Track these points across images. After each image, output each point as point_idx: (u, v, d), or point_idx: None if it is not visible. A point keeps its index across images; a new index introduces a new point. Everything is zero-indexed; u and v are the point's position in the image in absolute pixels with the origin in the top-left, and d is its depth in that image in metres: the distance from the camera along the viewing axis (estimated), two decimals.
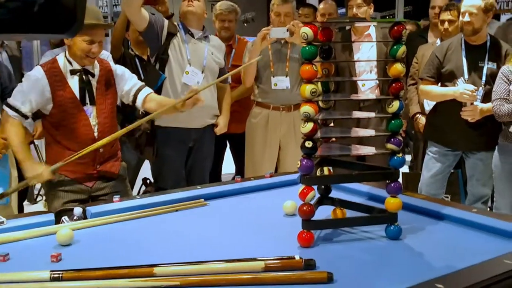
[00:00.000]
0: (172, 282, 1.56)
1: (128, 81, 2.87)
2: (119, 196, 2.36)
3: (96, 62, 2.78)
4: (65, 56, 2.75)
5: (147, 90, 2.88)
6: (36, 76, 2.67)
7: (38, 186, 5.34)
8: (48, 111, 2.70)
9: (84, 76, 2.73)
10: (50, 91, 2.66)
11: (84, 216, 2.16)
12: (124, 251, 1.87)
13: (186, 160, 3.58)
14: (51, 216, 2.12)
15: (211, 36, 3.68)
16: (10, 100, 2.68)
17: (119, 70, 2.88)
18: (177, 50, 3.47)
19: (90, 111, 2.74)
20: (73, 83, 2.72)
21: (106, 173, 2.81)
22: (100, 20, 2.70)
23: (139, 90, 2.86)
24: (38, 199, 5.30)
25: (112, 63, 2.91)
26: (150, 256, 1.77)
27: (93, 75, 2.76)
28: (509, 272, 1.57)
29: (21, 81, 2.71)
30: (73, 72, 2.72)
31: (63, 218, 2.10)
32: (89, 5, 2.63)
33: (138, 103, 2.86)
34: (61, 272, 1.59)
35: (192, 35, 3.53)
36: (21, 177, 3.39)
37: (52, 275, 1.58)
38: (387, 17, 8.69)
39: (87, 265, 1.65)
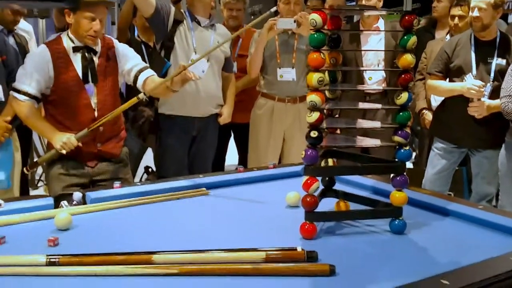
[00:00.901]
0: (171, 270, 1.53)
1: (130, 60, 2.84)
2: (119, 182, 2.33)
3: (98, 40, 2.75)
4: (68, 34, 2.73)
5: (149, 72, 2.84)
6: (40, 53, 2.67)
7: (39, 171, 5.33)
8: (49, 90, 2.68)
9: (87, 54, 2.71)
10: (53, 68, 2.65)
11: (83, 201, 2.14)
12: (123, 237, 1.84)
13: (189, 149, 3.55)
14: (50, 200, 2.10)
15: (218, 25, 3.64)
16: (16, 85, 2.66)
17: (122, 48, 2.86)
18: (183, 38, 3.43)
19: (92, 89, 2.72)
20: (76, 61, 2.70)
21: (107, 154, 2.79)
22: None
23: (140, 71, 2.82)
24: (39, 184, 5.29)
25: (115, 41, 2.88)
26: (149, 243, 1.73)
27: (95, 53, 2.74)
28: None
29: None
30: (75, 49, 2.70)
31: (62, 202, 2.07)
32: None
33: (139, 84, 2.82)
34: (58, 256, 1.56)
35: (198, 23, 3.49)
36: (24, 161, 3.38)
37: (48, 260, 1.55)
38: (395, 14, 8.62)
39: (84, 250, 1.63)
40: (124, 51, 2.85)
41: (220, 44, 3.09)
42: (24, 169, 2.81)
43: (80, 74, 2.69)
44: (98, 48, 2.75)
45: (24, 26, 4.27)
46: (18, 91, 2.65)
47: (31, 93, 2.64)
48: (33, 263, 1.55)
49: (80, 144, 2.64)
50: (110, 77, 2.78)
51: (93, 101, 2.72)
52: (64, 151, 2.61)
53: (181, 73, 2.53)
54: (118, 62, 2.82)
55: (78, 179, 2.72)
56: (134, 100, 2.62)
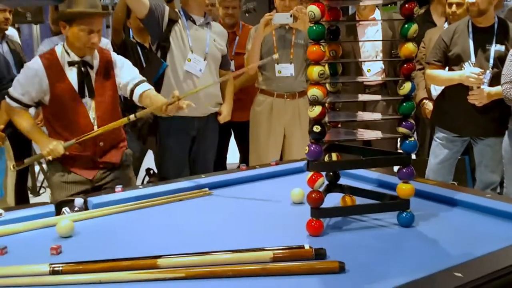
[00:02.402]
0: (177, 273, 1.50)
1: (126, 74, 2.78)
2: (121, 186, 2.30)
3: (96, 52, 2.71)
4: (63, 46, 2.67)
5: (145, 86, 2.77)
6: (34, 68, 2.63)
7: (41, 178, 5.31)
8: (47, 102, 2.65)
9: (82, 68, 2.65)
10: (48, 83, 2.61)
11: (85, 207, 2.10)
12: (127, 242, 1.81)
13: (190, 149, 3.52)
14: (51, 208, 2.06)
15: (213, 23, 3.61)
16: (11, 91, 2.67)
17: (119, 61, 2.80)
18: (179, 37, 3.39)
19: (89, 103, 2.68)
20: (72, 75, 2.65)
21: (107, 164, 2.77)
22: (97, 7, 2.62)
23: (136, 84, 2.76)
24: (41, 192, 5.26)
25: (113, 53, 2.83)
26: (153, 247, 1.70)
27: (91, 67, 2.68)
28: None
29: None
30: (71, 63, 2.65)
31: (63, 209, 2.04)
32: None
33: (135, 98, 2.77)
34: (61, 265, 1.53)
35: (193, 22, 3.46)
36: (19, 170, 3.34)
37: (52, 268, 1.51)
38: (389, 6, 8.61)
39: (88, 257, 1.59)
40: (121, 64, 2.79)
41: (212, 83, 3.07)
42: (11, 166, 2.79)
43: (76, 88, 2.65)
44: (95, 62, 2.70)
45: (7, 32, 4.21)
46: (11, 98, 2.67)
47: (23, 101, 2.67)
48: (36, 272, 1.51)
49: (67, 152, 2.62)
50: (108, 91, 2.74)
51: (92, 115, 2.68)
52: (50, 157, 2.60)
53: (174, 103, 2.47)
54: (116, 77, 2.77)
55: (79, 186, 2.69)
56: (124, 120, 2.59)
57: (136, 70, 2.84)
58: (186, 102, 2.48)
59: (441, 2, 4.26)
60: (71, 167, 2.71)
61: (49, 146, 2.58)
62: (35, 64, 2.64)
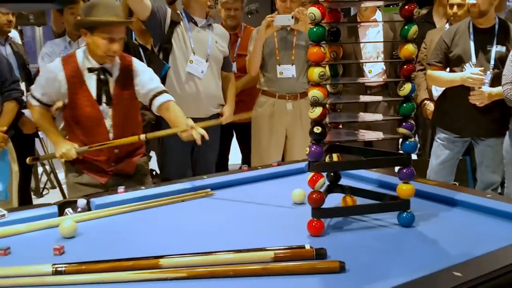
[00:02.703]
0: (179, 273, 1.51)
1: (146, 84, 2.73)
2: (123, 187, 2.31)
3: (117, 58, 2.67)
4: (84, 52, 2.66)
5: (164, 97, 2.72)
6: (54, 71, 2.63)
7: (43, 179, 5.33)
8: (66, 103, 2.68)
9: (102, 76, 2.63)
10: (67, 87, 2.62)
11: (88, 208, 2.12)
12: (129, 243, 1.82)
13: (192, 150, 3.53)
14: (54, 208, 2.07)
15: (215, 25, 3.62)
16: (32, 90, 2.71)
17: (140, 69, 2.75)
18: (181, 39, 3.41)
19: (106, 111, 2.66)
20: (91, 81, 2.64)
21: (121, 171, 2.76)
22: (119, 16, 2.59)
23: (155, 95, 2.72)
24: (44, 193, 5.28)
25: (135, 61, 2.77)
26: (155, 247, 1.71)
27: (111, 74, 2.66)
28: None
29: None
30: (90, 70, 2.63)
31: (66, 210, 2.05)
32: (108, 0, 2.57)
33: (154, 108, 2.74)
34: (64, 265, 1.54)
35: (195, 23, 3.47)
36: (22, 171, 3.36)
37: (54, 269, 1.53)
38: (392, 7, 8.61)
39: (91, 258, 1.60)
40: (141, 73, 2.74)
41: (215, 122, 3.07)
42: (27, 160, 2.84)
43: (94, 95, 2.64)
44: (115, 70, 2.67)
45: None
46: (33, 96, 2.70)
47: (43, 101, 2.70)
48: (39, 273, 1.52)
49: (80, 156, 2.66)
50: (126, 99, 2.71)
51: (108, 123, 2.67)
52: (62, 160, 2.64)
53: (187, 131, 2.48)
54: (135, 85, 2.72)
55: (92, 189, 2.70)
56: (134, 138, 2.59)
57: (157, 79, 2.79)
58: (202, 132, 2.46)
59: (442, 3, 4.27)
60: (85, 170, 2.72)
61: (62, 149, 2.63)
62: (55, 68, 2.63)
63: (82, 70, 2.63)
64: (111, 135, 2.68)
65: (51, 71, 2.65)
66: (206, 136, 2.47)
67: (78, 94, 2.62)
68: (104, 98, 2.65)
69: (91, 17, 2.52)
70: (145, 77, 2.74)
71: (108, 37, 2.53)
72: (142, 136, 2.57)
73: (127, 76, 2.70)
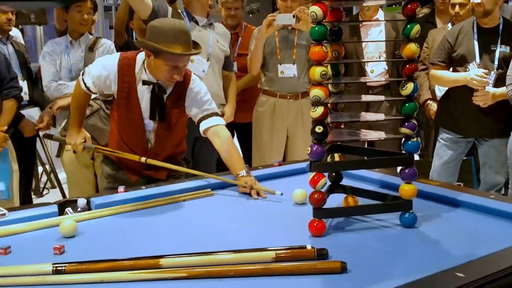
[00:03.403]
0: (179, 273, 1.50)
1: (197, 106, 2.57)
2: (124, 186, 2.30)
3: None
4: (144, 62, 2.49)
5: (211, 121, 2.58)
6: (109, 69, 2.50)
7: (43, 179, 5.32)
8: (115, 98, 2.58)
9: (155, 91, 2.48)
10: (117, 89, 2.51)
11: (88, 207, 2.11)
12: (129, 242, 1.81)
13: (193, 150, 3.52)
14: (54, 208, 2.07)
15: (216, 24, 3.61)
16: (86, 73, 2.58)
17: (195, 90, 2.57)
18: None
19: (151, 125, 2.56)
20: (142, 91, 2.50)
21: (151, 176, 2.65)
22: (189, 44, 2.38)
23: (202, 118, 2.58)
24: (44, 192, 5.27)
25: (193, 79, 2.58)
26: (156, 247, 1.70)
27: (165, 92, 2.51)
28: None
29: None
30: (145, 83, 2.48)
31: (66, 209, 2.05)
32: (180, 24, 2.41)
33: (200, 130, 2.61)
34: (64, 264, 1.53)
35: (196, 23, 3.46)
36: (22, 170, 3.36)
37: (55, 268, 1.52)
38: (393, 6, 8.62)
39: (91, 257, 1.59)
40: (194, 94, 2.56)
41: None
42: (42, 135, 2.83)
43: (141, 106, 2.51)
44: (169, 87, 2.52)
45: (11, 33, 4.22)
46: (83, 81, 2.58)
47: (91, 89, 2.59)
48: (39, 272, 1.52)
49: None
50: (174, 118, 2.57)
51: (149, 136, 2.57)
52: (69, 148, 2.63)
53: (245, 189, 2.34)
54: (186, 107, 2.58)
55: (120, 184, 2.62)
56: (135, 157, 2.52)
57: (208, 101, 2.61)
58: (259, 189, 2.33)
59: (444, 3, 4.24)
60: (121, 164, 2.67)
61: (73, 140, 2.67)
62: (111, 66, 2.50)
63: (137, 79, 2.49)
64: (149, 147, 2.59)
65: (106, 67, 2.51)
66: (263, 195, 2.31)
67: (126, 100, 2.51)
68: (149, 113, 2.51)
69: (158, 43, 2.30)
70: (198, 98, 2.57)
71: (173, 65, 2.36)
72: (143, 159, 2.50)
73: (180, 95, 2.55)
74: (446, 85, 3.58)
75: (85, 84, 2.58)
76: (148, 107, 2.52)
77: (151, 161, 2.52)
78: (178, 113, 2.59)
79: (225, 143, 2.57)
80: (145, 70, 2.49)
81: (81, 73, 2.63)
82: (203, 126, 2.59)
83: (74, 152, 2.79)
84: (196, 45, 2.47)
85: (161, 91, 2.49)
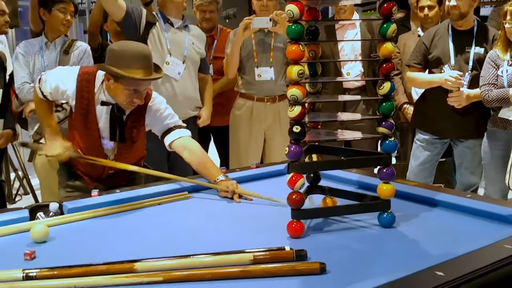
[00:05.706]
0: (155, 277, 1.46)
1: (158, 122, 2.54)
2: (97, 190, 2.25)
3: None
4: (103, 85, 2.43)
5: (175, 134, 2.52)
6: (66, 86, 2.43)
7: (16, 185, 5.21)
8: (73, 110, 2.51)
9: (115, 112, 2.42)
10: (75, 105, 2.44)
11: (61, 212, 2.05)
12: (103, 247, 1.76)
13: (169, 153, 3.47)
14: (25, 213, 2.01)
15: (191, 26, 3.58)
16: (42, 81, 2.49)
17: (154, 108, 2.52)
18: (157, 40, 3.36)
19: (110, 144, 2.51)
20: (100, 111, 2.45)
21: (111, 182, 2.59)
22: (149, 68, 2.32)
23: (166, 133, 2.53)
24: (17, 199, 5.16)
25: (153, 97, 2.53)
26: (131, 251, 1.66)
27: (124, 112, 2.46)
28: (510, 257, 1.49)
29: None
30: (103, 104, 2.42)
31: (38, 214, 1.99)
32: (140, 47, 2.32)
33: (166, 145, 2.55)
34: (35, 270, 1.49)
35: (171, 24, 3.42)
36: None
37: (25, 274, 1.47)
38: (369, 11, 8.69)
39: (63, 262, 1.55)
40: (155, 112, 2.52)
41: None
42: (15, 142, 2.75)
43: (99, 126, 2.46)
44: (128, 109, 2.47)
45: None
46: (40, 89, 2.50)
47: (48, 98, 2.52)
48: (9, 278, 1.47)
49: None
50: (135, 136, 2.53)
51: (109, 153, 2.53)
52: (49, 158, 2.55)
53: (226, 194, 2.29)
54: (146, 125, 2.55)
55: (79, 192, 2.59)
56: (125, 166, 2.46)
57: (169, 115, 2.55)
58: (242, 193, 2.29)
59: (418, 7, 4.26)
60: (80, 173, 2.61)
61: (53, 151, 2.45)
62: (70, 81, 2.42)
63: (95, 98, 2.43)
64: (109, 159, 2.54)
65: (64, 82, 2.43)
66: (248, 197, 2.27)
67: (84, 117, 2.45)
68: (109, 134, 2.46)
69: (118, 67, 2.24)
70: (157, 116, 2.52)
71: (133, 89, 2.31)
72: (133, 168, 2.45)
73: (140, 113, 2.50)
74: (421, 87, 3.60)
75: (42, 92, 2.51)
76: (107, 127, 2.47)
77: (144, 171, 2.51)
78: (138, 131, 2.54)
79: (195, 154, 2.49)
80: (104, 91, 2.42)
81: (37, 79, 2.54)
82: (167, 140, 2.52)
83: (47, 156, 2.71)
84: (157, 68, 2.42)
85: (120, 111, 2.44)
